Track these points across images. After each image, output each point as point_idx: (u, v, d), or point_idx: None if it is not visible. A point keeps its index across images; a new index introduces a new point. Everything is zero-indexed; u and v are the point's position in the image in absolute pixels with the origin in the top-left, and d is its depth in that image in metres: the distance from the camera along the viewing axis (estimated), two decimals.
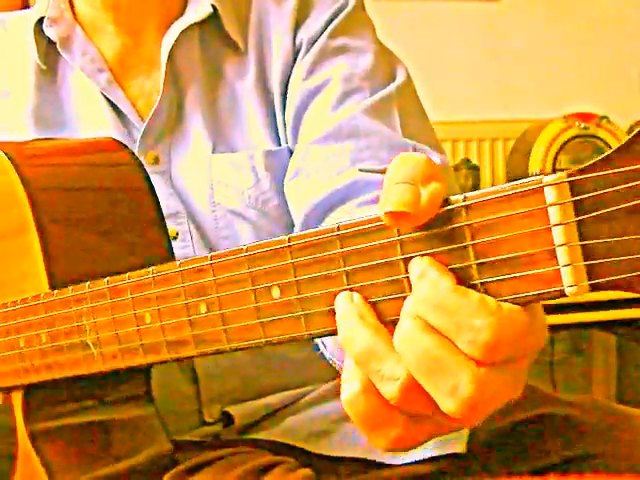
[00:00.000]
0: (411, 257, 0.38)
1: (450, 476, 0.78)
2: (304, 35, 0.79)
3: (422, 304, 0.37)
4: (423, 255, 0.37)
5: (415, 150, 0.72)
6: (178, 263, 0.49)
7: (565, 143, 1.86)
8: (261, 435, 0.78)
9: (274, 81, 0.80)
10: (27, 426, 0.63)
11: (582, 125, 1.86)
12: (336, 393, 0.81)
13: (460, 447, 0.76)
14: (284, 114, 0.79)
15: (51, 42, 0.82)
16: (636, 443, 0.74)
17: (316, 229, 0.42)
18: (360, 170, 0.69)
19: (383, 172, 0.68)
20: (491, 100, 2.09)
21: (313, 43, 0.79)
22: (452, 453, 0.77)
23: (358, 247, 0.40)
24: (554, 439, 0.76)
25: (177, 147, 0.80)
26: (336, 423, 0.79)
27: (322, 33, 0.79)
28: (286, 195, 0.76)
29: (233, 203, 0.78)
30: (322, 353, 0.63)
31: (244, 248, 0.45)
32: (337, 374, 0.81)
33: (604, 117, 1.87)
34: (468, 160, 2.04)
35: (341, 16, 0.80)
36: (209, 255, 0.47)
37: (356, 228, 0.40)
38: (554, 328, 1.97)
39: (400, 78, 0.78)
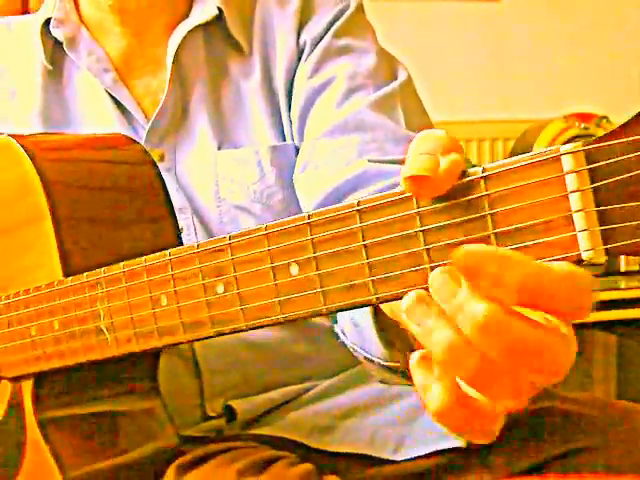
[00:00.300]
0: (430, 229, 0.40)
1: (450, 471, 0.78)
2: (307, 36, 0.81)
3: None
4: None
5: None
6: (196, 244, 0.50)
7: (565, 143, 1.87)
8: (263, 430, 0.79)
9: (279, 81, 0.82)
10: (36, 415, 0.63)
11: (582, 125, 1.89)
12: (338, 389, 0.83)
13: (461, 441, 0.77)
14: (289, 113, 0.81)
15: (57, 43, 0.83)
16: (635, 437, 0.75)
17: (336, 205, 0.43)
18: (369, 161, 0.71)
19: (391, 163, 0.71)
20: (491, 100, 2.11)
21: (317, 43, 0.81)
22: (452, 447, 0.78)
23: (377, 221, 0.41)
24: (553, 433, 0.76)
25: (182, 145, 0.81)
26: (338, 419, 0.80)
27: (326, 33, 0.81)
28: (296, 189, 0.78)
29: (238, 198, 0.79)
30: (343, 342, 0.64)
31: (263, 227, 0.46)
32: (339, 370, 0.83)
33: (604, 117, 1.90)
34: (468, 160, 2.06)
35: (344, 18, 0.82)
36: (228, 235, 0.48)
37: (375, 202, 0.41)
38: None
39: (402, 77, 0.80)
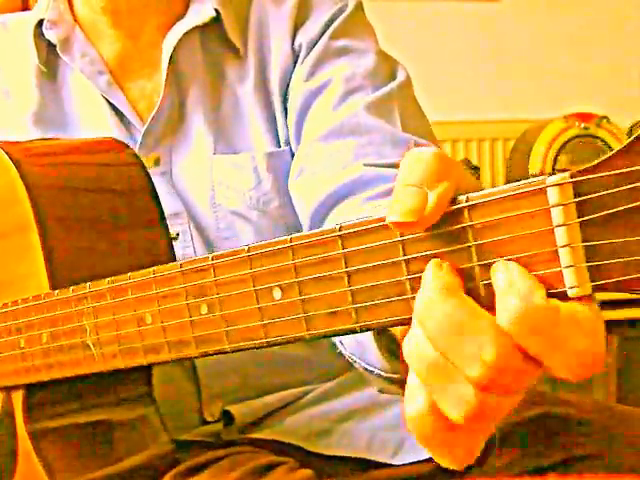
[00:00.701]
0: (413, 258, 0.38)
1: (449, 476, 0.78)
2: (303, 38, 0.80)
3: (513, 324, 0.34)
4: (507, 260, 0.35)
5: (417, 145, 0.72)
6: (179, 263, 0.49)
7: (565, 143, 1.86)
8: (261, 434, 0.78)
9: (274, 85, 0.80)
10: (27, 426, 0.63)
11: (582, 125, 1.87)
12: (336, 393, 0.82)
13: None
14: (285, 117, 0.79)
15: (51, 44, 0.82)
16: (636, 442, 0.74)
17: (317, 230, 0.42)
18: (365, 165, 0.69)
19: (388, 167, 0.69)
20: (491, 100, 2.09)
21: (313, 46, 0.79)
22: None
23: (359, 247, 0.40)
24: (554, 439, 0.76)
25: (178, 148, 0.80)
26: (337, 422, 0.80)
27: (322, 35, 0.79)
28: (292, 194, 0.77)
29: (234, 204, 0.78)
30: (340, 352, 0.63)
31: (246, 248, 0.45)
32: (337, 374, 0.82)
33: (604, 117, 1.87)
34: (468, 160, 2.04)
35: (341, 18, 0.80)
36: (210, 255, 0.47)
37: (357, 228, 0.40)
38: None
39: (400, 78, 0.78)
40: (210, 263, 0.47)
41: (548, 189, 0.34)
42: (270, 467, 0.69)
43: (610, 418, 0.77)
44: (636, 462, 0.72)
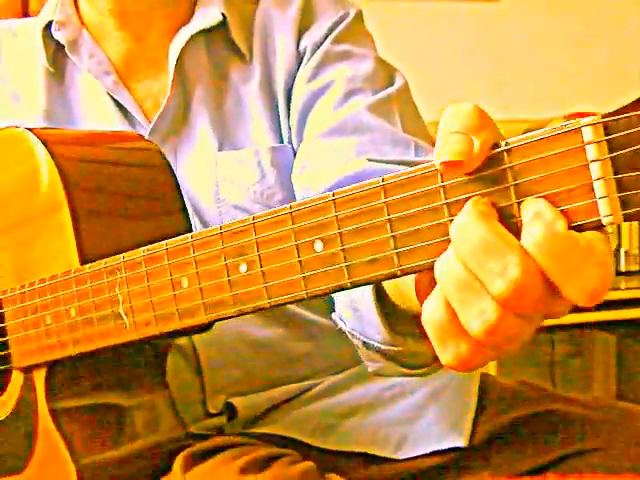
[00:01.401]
0: (454, 201, 0.41)
1: (452, 471, 0.79)
2: (308, 42, 0.83)
3: (535, 247, 0.38)
4: (538, 197, 0.39)
5: (417, 146, 0.76)
6: (219, 226, 0.51)
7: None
8: (265, 429, 0.79)
9: (279, 86, 0.83)
10: (49, 403, 0.64)
11: None
12: (340, 388, 0.84)
13: (462, 441, 0.79)
14: (288, 118, 0.83)
15: (59, 45, 0.84)
16: (635, 439, 0.76)
17: (360, 182, 0.45)
18: (368, 160, 0.72)
19: (391, 163, 0.73)
20: (490, 100, 2.12)
21: (317, 48, 0.83)
22: (454, 447, 0.79)
23: (402, 195, 0.43)
24: (555, 435, 0.78)
25: (183, 147, 0.83)
26: (340, 417, 0.81)
27: (325, 39, 0.83)
28: (295, 189, 0.79)
29: (238, 198, 0.80)
30: (340, 329, 0.65)
31: (288, 207, 0.47)
32: (341, 369, 0.84)
33: None
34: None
35: (344, 24, 0.84)
36: (252, 216, 0.49)
37: (400, 178, 0.43)
38: (554, 329, 1.98)
39: (399, 83, 0.82)
40: (251, 223, 0.49)
41: (583, 129, 0.38)
42: (273, 458, 0.70)
43: (610, 415, 0.79)
44: (636, 459, 0.74)
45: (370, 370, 0.65)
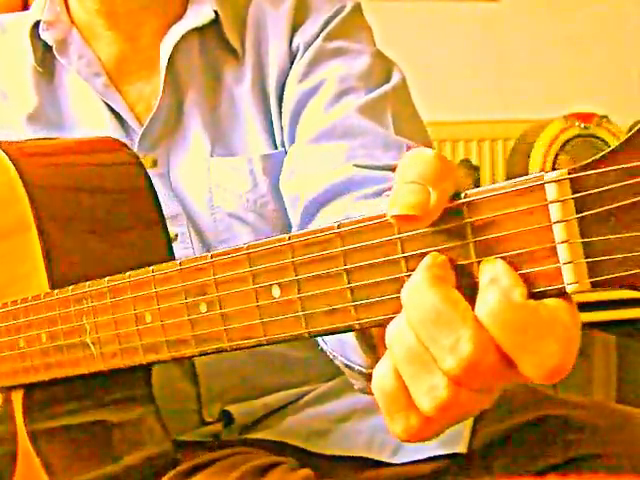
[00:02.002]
0: (412, 255, 0.38)
1: (451, 476, 0.78)
2: (300, 39, 0.79)
3: (489, 317, 0.34)
4: (499, 257, 0.35)
5: (408, 148, 0.72)
6: (179, 262, 0.49)
7: (565, 143, 1.86)
8: (261, 435, 0.78)
9: (271, 86, 0.80)
10: (27, 426, 0.63)
11: (582, 125, 1.87)
12: (336, 393, 0.82)
13: (461, 447, 0.77)
14: (281, 118, 0.79)
15: (48, 45, 0.82)
16: (637, 443, 0.74)
17: (316, 228, 0.42)
18: (355, 166, 0.69)
19: (378, 168, 0.69)
20: (491, 100, 2.09)
21: (309, 46, 0.79)
22: (453, 453, 0.77)
23: (358, 245, 0.40)
24: (555, 440, 0.76)
25: (176, 150, 0.80)
26: (336, 422, 0.80)
27: (318, 36, 0.79)
28: (283, 193, 0.77)
29: (232, 206, 0.78)
30: (322, 348, 0.63)
31: (244, 246, 0.45)
32: (337, 374, 0.82)
33: (604, 117, 1.87)
34: (468, 160, 2.04)
35: (337, 19, 0.80)
36: (209, 254, 0.47)
37: (356, 226, 0.40)
38: None
39: (395, 79, 0.78)
40: (209, 261, 0.47)
41: (546, 185, 0.34)
42: (269, 467, 0.69)
43: (610, 419, 0.77)
44: (636, 462, 0.72)
45: (356, 388, 0.63)
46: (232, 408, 0.78)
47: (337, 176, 0.69)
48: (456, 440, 0.77)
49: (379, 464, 0.78)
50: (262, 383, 0.80)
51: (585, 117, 1.88)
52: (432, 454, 0.77)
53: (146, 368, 0.68)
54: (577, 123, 1.87)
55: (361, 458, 0.78)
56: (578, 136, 1.86)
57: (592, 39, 2.15)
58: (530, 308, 0.34)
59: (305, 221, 0.72)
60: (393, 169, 0.68)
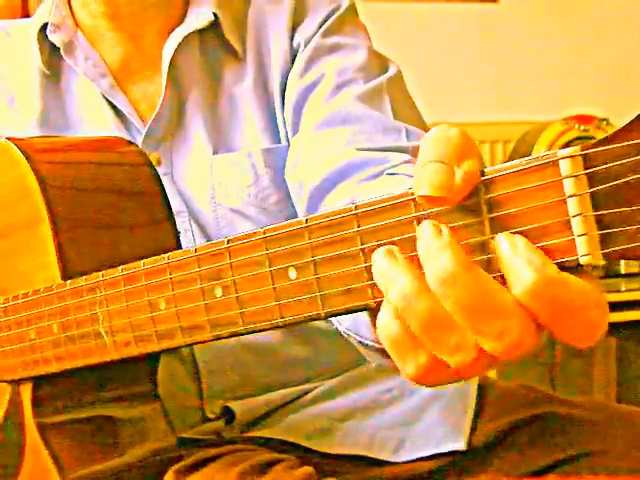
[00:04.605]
0: None
1: (451, 474, 0.78)
2: (301, 38, 0.82)
3: (530, 296, 0.35)
4: (517, 232, 0.36)
5: (408, 131, 0.74)
6: (194, 248, 0.50)
7: (565, 145, 1.88)
8: (262, 432, 0.79)
9: (274, 84, 0.82)
10: (35, 418, 0.63)
11: (582, 127, 1.88)
12: (338, 391, 0.83)
13: (461, 445, 0.77)
14: (284, 115, 0.81)
15: (54, 48, 0.83)
16: (636, 442, 0.75)
17: (333, 209, 0.43)
18: (358, 149, 0.71)
19: (380, 151, 0.71)
20: (491, 102, 2.10)
21: (308, 43, 0.81)
22: (453, 451, 0.78)
23: (376, 225, 0.41)
24: (554, 438, 0.76)
25: (179, 149, 0.82)
26: (338, 421, 0.80)
27: (316, 33, 0.82)
28: (288, 184, 0.78)
29: (233, 202, 0.80)
30: (337, 328, 0.63)
31: (261, 231, 0.46)
32: (339, 372, 0.83)
33: (604, 119, 1.89)
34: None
35: (334, 17, 0.83)
36: (226, 239, 0.48)
37: (373, 207, 0.41)
38: None
39: (392, 71, 0.80)
40: (225, 247, 0.48)
41: (560, 161, 0.35)
42: (271, 464, 0.70)
43: (610, 417, 0.77)
44: (637, 461, 0.73)
45: (374, 365, 0.64)
46: (234, 405, 0.79)
47: (338, 161, 0.71)
48: (456, 438, 0.78)
49: (380, 462, 0.78)
50: (264, 381, 0.80)
51: (585, 119, 1.89)
52: (433, 452, 0.78)
53: (152, 364, 0.69)
54: (577, 125, 1.88)
55: (362, 456, 0.78)
56: (578, 138, 1.87)
57: (592, 41, 2.15)
58: (566, 282, 0.35)
59: (310, 209, 0.73)
60: (393, 150, 0.70)
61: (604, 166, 0.35)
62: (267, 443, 0.77)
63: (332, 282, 0.43)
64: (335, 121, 0.75)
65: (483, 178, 0.38)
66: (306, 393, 0.81)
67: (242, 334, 0.48)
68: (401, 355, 0.39)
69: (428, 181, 0.37)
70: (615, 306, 1.77)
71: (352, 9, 0.85)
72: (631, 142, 0.34)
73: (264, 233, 0.46)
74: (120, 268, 0.55)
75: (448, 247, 0.37)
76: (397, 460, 0.78)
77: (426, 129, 0.80)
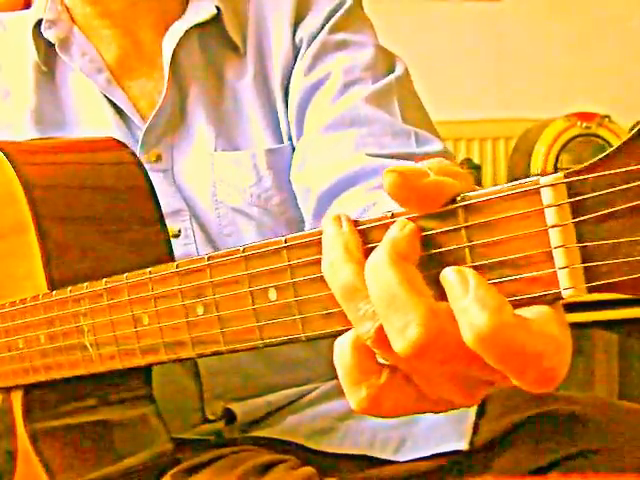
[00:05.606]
0: None
1: (452, 473, 0.78)
2: (304, 33, 0.80)
3: (481, 341, 0.33)
4: (464, 268, 0.34)
5: (417, 136, 0.72)
6: (175, 264, 0.49)
7: (567, 143, 1.85)
8: (263, 433, 0.78)
9: (275, 80, 0.80)
10: (27, 426, 0.63)
11: (584, 125, 1.85)
12: (338, 391, 0.82)
13: (463, 444, 0.76)
14: (287, 112, 0.79)
15: (50, 44, 0.82)
16: (639, 438, 0.74)
17: (313, 230, 0.41)
18: (367, 155, 0.69)
19: (389, 157, 0.69)
20: (493, 99, 2.08)
21: (313, 39, 0.79)
22: (455, 450, 0.77)
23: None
24: (557, 436, 0.75)
25: (179, 145, 0.80)
26: (338, 421, 0.79)
27: (322, 29, 0.79)
28: (294, 186, 0.77)
29: (235, 201, 0.78)
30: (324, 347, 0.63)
31: (241, 249, 0.45)
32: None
33: (606, 116, 1.86)
34: (470, 160, 2.03)
35: (340, 12, 0.80)
36: (206, 256, 0.46)
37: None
38: None
39: (399, 70, 0.78)
40: (206, 263, 0.46)
41: (542, 189, 0.33)
42: (271, 465, 0.69)
43: (612, 415, 0.76)
44: (639, 458, 0.72)
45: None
46: (234, 406, 0.78)
47: (348, 167, 0.70)
48: (458, 437, 0.77)
49: (381, 462, 0.78)
50: (265, 381, 0.80)
51: (587, 117, 1.86)
52: (435, 451, 0.77)
53: (146, 369, 0.68)
54: (579, 123, 1.85)
55: (363, 456, 0.78)
56: (579, 136, 1.85)
57: (594, 38, 2.13)
58: (523, 326, 0.32)
59: (318, 213, 0.72)
60: (403, 157, 0.69)
61: (589, 195, 0.33)
62: (268, 443, 0.77)
63: (312, 305, 0.42)
64: (343, 123, 0.74)
65: (462, 203, 0.36)
66: (307, 394, 0.80)
67: (224, 353, 0.47)
68: (351, 381, 0.38)
69: (400, 168, 0.35)
70: (617, 302, 1.75)
71: (358, 3, 0.82)
72: (617, 170, 0.32)
73: (244, 251, 0.44)
74: (104, 281, 0.54)
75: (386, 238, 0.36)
76: (398, 459, 0.78)
77: (434, 129, 0.78)
